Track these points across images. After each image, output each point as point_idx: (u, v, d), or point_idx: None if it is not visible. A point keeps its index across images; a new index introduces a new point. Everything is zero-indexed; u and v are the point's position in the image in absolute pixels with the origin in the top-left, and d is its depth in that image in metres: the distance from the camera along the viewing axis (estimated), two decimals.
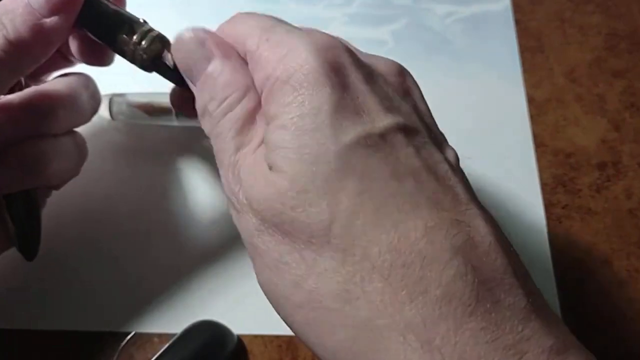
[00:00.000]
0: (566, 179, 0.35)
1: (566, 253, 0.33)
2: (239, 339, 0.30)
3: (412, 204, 0.18)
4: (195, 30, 0.23)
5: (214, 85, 0.22)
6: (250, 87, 0.21)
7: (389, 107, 0.20)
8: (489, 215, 0.19)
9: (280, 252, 0.19)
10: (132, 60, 0.25)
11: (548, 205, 0.34)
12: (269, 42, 0.21)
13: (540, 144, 0.36)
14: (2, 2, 0.23)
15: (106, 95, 0.34)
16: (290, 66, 0.20)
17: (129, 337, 0.30)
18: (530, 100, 0.38)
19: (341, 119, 0.19)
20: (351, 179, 0.18)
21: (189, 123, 0.34)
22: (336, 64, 0.20)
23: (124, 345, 0.29)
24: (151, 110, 0.34)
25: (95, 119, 0.33)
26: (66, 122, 0.28)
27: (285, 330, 0.30)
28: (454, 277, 0.17)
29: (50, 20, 0.23)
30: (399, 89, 0.22)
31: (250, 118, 0.21)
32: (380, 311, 0.17)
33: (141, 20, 0.25)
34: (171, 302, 0.31)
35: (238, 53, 0.22)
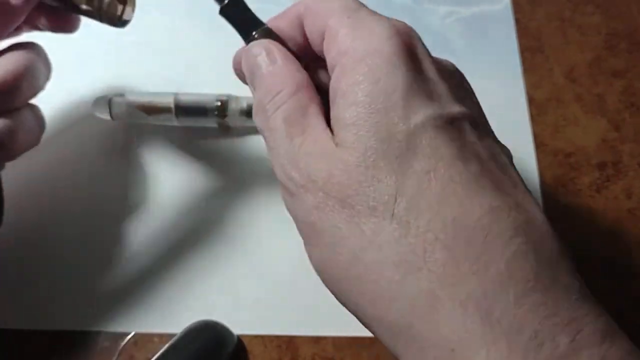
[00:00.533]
0: (566, 179, 0.35)
1: None
2: (239, 339, 0.30)
3: (477, 185, 0.19)
4: (262, 42, 0.24)
5: (269, 82, 0.23)
6: (303, 85, 0.23)
7: (456, 98, 0.21)
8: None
9: (339, 227, 0.19)
10: (101, 21, 0.28)
11: (548, 206, 0.34)
12: (350, 19, 0.22)
13: (540, 144, 0.36)
14: None
15: (106, 96, 0.34)
16: (367, 46, 0.21)
17: (129, 337, 0.30)
18: (530, 100, 0.38)
19: (413, 101, 0.20)
20: (420, 157, 0.19)
21: (189, 123, 0.34)
22: (412, 50, 0.21)
23: (124, 345, 0.29)
24: (151, 110, 0.34)
25: (95, 119, 0.33)
26: (27, 95, 0.28)
27: (285, 330, 0.31)
28: (515, 254, 0.18)
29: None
30: (460, 86, 0.23)
31: (302, 111, 0.22)
32: (442, 282, 0.18)
33: None
34: (171, 302, 0.31)
35: (295, 55, 0.24)
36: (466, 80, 0.24)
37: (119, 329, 0.30)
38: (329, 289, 0.21)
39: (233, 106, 0.34)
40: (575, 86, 0.39)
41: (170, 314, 0.30)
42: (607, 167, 0.36)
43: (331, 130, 0.21)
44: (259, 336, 0.30)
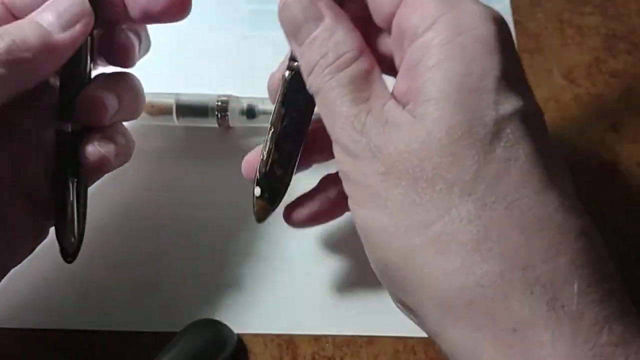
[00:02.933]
0: None
1: None
2: (239, 338, 0.30)
3: (548, 181, 0.19)
4: None
5: (327, 43, 0.22)
6: (365, 49, 0.22)
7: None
8: None
9: (409, 195, 0.19)
10: None
11: None
12: None
13: None
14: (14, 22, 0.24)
15: None
16: (462, 22, 0.20)
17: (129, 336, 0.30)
18: None
19: (505, 90, 0.20)
20: (502, 145, 0.19)
21: (189, 123, 0.35)
22: (506, 37, 0.21)
23: (124, 345, 0.30)
24: (151, 110, 0.34)
25: None
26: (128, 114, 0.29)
27: (285, 329, 0.31)
28: (581, 249, 0.19)
29: (61, 36, 0.24)
30: None
31: (365, 77, 0.22)
32: (512, 266, 0.18)
33: None
34: (171, 302, 0.31)
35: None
36: None
37: (120, 328, 0.30)
38: (374, 254, 0.21)
39: (233, 106, 0.34)
40: (574, 87, 0.39)
41: (170, 314, 0.30)
42: (607, 167, 0.36)
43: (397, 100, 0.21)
44: (259, 335, 0.30)
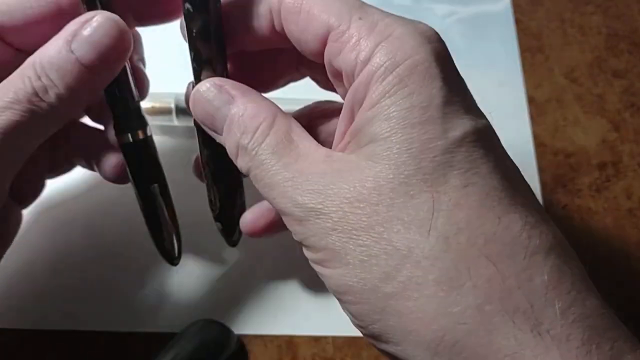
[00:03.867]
0: (566, 179, 0.35)
1: None
2: (239, 339, 0.30)
3: (512, 200, 0.19)
4: (209, 80, 0.23)
5: (242, 122, 0.22)
6: (277, 111, 0.22)
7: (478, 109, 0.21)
8: None
9: (367, 245, 0.18)
10: None
11: (548, 206, 0.34)
12: (362, 20, 0.20)
13: (540, 144, 0.36)
14: (44, 51, 0.23)
15: None
16: (395, 54, 0.19)
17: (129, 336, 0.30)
18: (530, 100, 0.38)
19: (451, 115, 0.19)
20: (456, 173, 0.19)
21: (189, 123, 0.34)
22: (444, 57, 0.20)
23: (124, 345, 0.30)
24: (151, 110, 0.34)
25: None
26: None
27: (285, 330, 0.31)
28: (554, 268, 0.18)
29: (98, 74, 0.23)
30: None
31: (287, 137, 0.21)
32: (489, 297, 0.17)
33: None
34: (171, 302, 0.31)
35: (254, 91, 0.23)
36: None
37: (119, 329, 0.30)
38: (350, 311, 0.20)
39: None
40: (575, 86, 0.39)
41: (170, 314, 0.30)
42: (607, 167, 0.36)
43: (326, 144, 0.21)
44: (259, 336, 0.30)
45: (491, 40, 0.40)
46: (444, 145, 0.19)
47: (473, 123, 0.19)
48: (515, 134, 0.36)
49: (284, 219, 0.21)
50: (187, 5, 0.22)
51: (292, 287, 0.31)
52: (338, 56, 0.21)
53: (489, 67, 0.39)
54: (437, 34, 0.21)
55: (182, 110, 0.34)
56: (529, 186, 0.20)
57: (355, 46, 0.20)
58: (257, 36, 0.23)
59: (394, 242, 0.18)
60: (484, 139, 0.19)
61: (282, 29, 0.22)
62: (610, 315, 0.18)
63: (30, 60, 0.23)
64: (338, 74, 0.21)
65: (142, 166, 0.27)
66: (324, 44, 0.21)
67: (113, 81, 0.24)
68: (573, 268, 0.18)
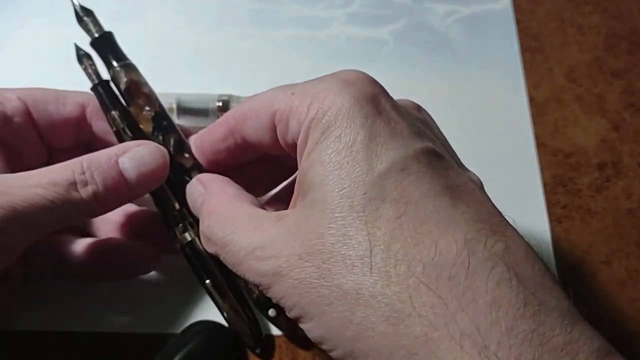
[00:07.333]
0: (566, 179, 0.35)
1: (566, 253, 0.33)
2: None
3: (449, 220, 0.19)
4: (199, 177, 0.27)
5: (207, 203, 0.25)
6: (237, 192, 0.25)
7: (418, 132, 0.21)
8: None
9: (323, 295, 0.19)
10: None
11: (548, 205, 0.34)
12: (295, 94, 0.22)
13: (540, 144, 0.36)
14: (94, 154, 0.25)
15: None
16: (322, 105, 0.21)
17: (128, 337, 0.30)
18: (531, 100, 0.38)
19: (376, 146, 0.20)
20: (387, 205, 0.19)
21: (190, 123, 0.34)
22: (367, 94, 0.21)
23: (123, 345, 0.30)
24: None
25: None
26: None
27: (285, 330, 0.31)
28: (499, 284, 0.17)
29: (134, 189, 0.26)
30: (420, 119, 0.23)
31: (242, 214, 0.23)
32: (434, 324, 0.17)
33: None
34: (171, 302, 0.31)
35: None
36: (424, 110, 0.25)
37: (119, 329, 0.30)
38: (332, 357, 0.20)
39: (234, 106, 0.34)
40: (575, 86, 0.39)
41: (170, 314, 0.30)
42: (607, 167, 0.36)
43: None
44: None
45: (491, 40, 0.41)
46: (372, 179, 0.19)
47: (401, 151, 0.20)
48: (516, 134, 0.37)
49: (260, 288, 0.22)
50: None
51: None
52: (287, 132, 0.22)
53: (490, 67, 0.39)
54: (362, 74, 0.22)
55: (184, 110, 0.34)
56: (482, 196, 0.20)
57: (295, 115, 0.22)
58: (240, 157, 0.27)
59: (343, 286, 0.19)
60: (411, 163, 0.20)
61: (243, 141, 0.25)
62: (575, 325, 0.17)
63: (78, 158, 0.25)
64: (295, 149, 0.23)
65: (201, 264, 0.28)
66: (275, 130, 0.23)
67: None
68: (526, 279, 0.18)
